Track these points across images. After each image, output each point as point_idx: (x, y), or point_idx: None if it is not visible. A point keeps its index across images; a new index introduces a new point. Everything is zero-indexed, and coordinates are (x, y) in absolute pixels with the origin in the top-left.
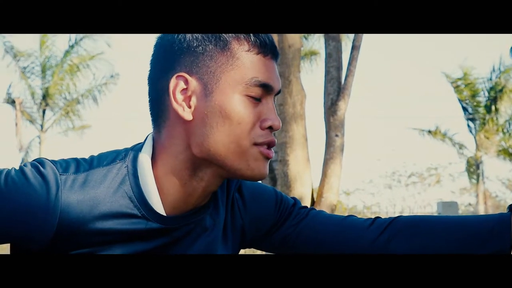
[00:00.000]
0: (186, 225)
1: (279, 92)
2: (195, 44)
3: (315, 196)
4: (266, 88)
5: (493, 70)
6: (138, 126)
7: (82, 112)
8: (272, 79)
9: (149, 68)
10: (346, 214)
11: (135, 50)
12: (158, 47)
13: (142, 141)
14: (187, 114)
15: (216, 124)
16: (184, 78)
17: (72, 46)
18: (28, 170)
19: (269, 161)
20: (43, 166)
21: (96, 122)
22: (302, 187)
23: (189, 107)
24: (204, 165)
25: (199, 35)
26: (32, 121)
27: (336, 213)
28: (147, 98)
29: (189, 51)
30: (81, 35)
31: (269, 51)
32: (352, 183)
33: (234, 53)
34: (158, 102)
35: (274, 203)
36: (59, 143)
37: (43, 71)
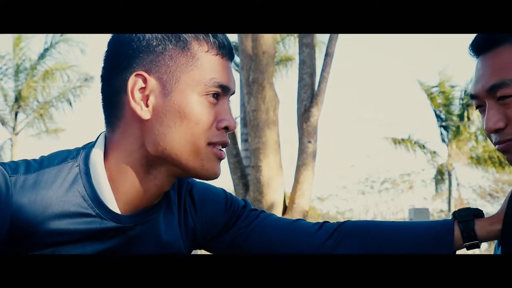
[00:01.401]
0: (141, 224)
1: (233, 92)
2: (155, 43)
3: (287, 202)
4: (223, 89)
5: (470, 80)
6: None
7: (55, 115)
8: (229, 80)
9: (102, 65)
10: (319, 220)
11: None
12: (114, 44)
13: (94, 140)
14: (144, 113)
15: (174, 123)
16: (143, 77)
17: (47, 50)
18: None
19: (221, 161)
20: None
21: (70, 125)
22: (274, 193)
23: (147, 106)
24: (158, 163)
25: (159, 34)
26: (4, 123)
27: (309, 219)
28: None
29: (149, 50)
30: (56, 39)
31: (227, 52)
32: (326, 188)
33: (194, 53)
34: (113, 100)
35: (224, 205)
36: (32, 146)
37: (16, 73)
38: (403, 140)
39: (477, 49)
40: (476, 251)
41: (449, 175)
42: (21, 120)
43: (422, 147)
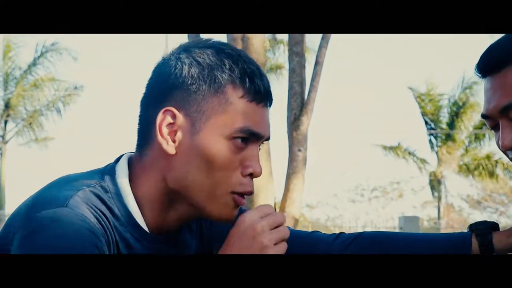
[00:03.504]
0: (166, 246)
1: (268, 138)
2: (189, 82)
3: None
4: (253, 136)
5: (457, 87)
6: (102, 139)
7: (45, 123)
8: (262, 127)
9: (144, 91)
10: (310, 227)
11: (99, 62)
12: (156, 74)
13: (113, 161)
14: (170, 148)
15: (198, 164)
16: (172, 113)
17: (37, 58)
18: (64, 216)
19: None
20: (72, 207)
21: (59, 134)
22: (265, 201)
23: (174, 141)
24: (179, 198)
25: (195, 73)
26: None
27: (299, 226)
28: (137, 118)
29: (183, 87)
30: (47, 47)
31: (263, 99)
32: (316, 196)
33: (227, 97)
34: (146, 128)
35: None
36: (21, 155)
37: (6, 82)
38: (391, 148)
39: (484, 70)
40: None
41: (439, 183)
42: (11, 129)
43: (412, 154)
